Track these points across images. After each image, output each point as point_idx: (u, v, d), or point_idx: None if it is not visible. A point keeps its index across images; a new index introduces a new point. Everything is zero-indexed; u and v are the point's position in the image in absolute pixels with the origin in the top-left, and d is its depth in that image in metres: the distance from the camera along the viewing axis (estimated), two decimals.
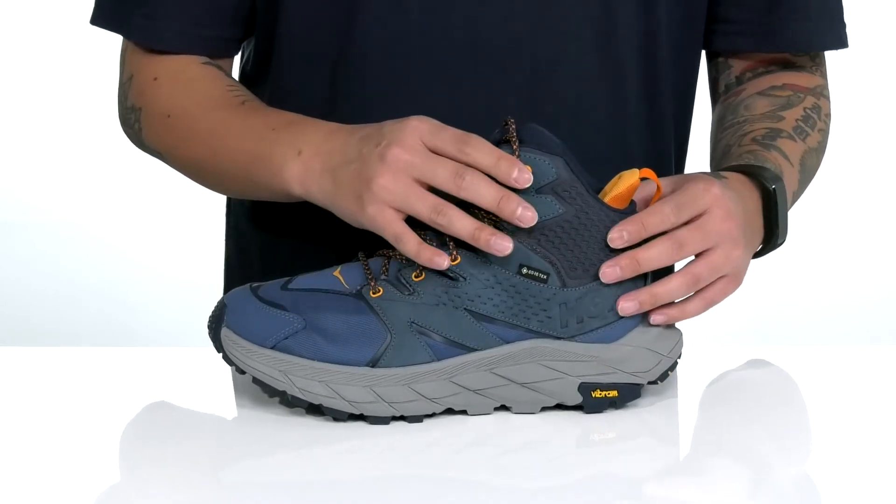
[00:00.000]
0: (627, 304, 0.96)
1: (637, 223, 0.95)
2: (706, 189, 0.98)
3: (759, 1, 1.20)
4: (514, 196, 0.93)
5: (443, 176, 0.94)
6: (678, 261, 0.97)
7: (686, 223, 0.97)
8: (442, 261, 0.93)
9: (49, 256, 3.53)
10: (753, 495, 0.85)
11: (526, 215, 0.92)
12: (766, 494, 0.85)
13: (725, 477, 0.88)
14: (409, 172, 0.95)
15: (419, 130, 0.96)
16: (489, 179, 0.93)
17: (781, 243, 1.08)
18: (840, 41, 1.23)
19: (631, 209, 0.96)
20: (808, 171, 1.17)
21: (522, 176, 0.92)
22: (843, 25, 1.23)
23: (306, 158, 1.02)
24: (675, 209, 0.96)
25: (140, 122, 1.16)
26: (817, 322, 3.17)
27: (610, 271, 0.95)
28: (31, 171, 3.63)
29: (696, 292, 0.99)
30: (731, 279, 1.00)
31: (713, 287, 0.99)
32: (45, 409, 1.00)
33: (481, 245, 0.93)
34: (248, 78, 1.22)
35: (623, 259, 0.95)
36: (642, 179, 0.97)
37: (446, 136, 0.95)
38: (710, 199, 0.97)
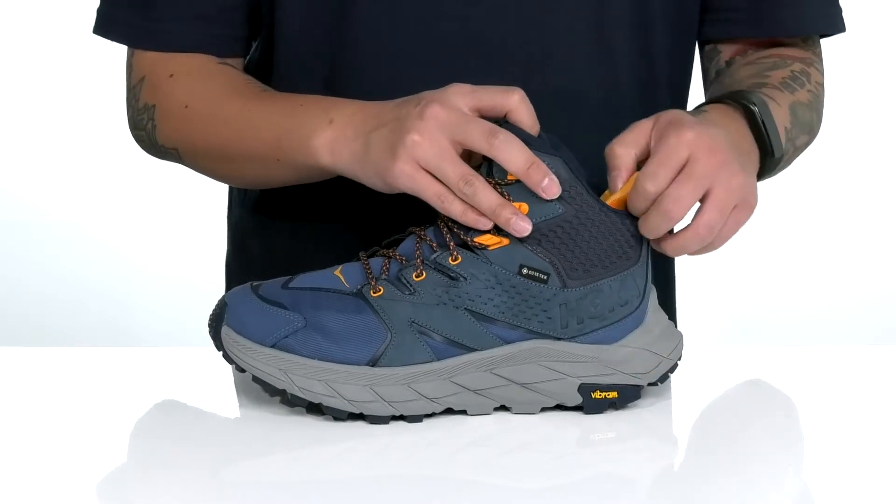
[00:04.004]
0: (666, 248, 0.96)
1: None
2: (678, 141, 0.95)
3: None
4: (542, 166, 0.93)
5: (476, 134, 0.94)
6: (680, 219, 0.96)
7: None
8: (487, 223, 0.94)
9: (49, 256, 3.53)
10: (753, 495, 0.85)
11: (551, 188, 0.93)
12: (766, 495, 0.85)
13: (724, 477, 0.88)
14: (445, 132, 0.95)
15: (460, 94, 0.96)
16: (523, 145, 0.94)
17: (780, 158, 1.06)
18: (834, 25, 1.22)
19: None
20: (800, 120, 1.15)
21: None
22: (839, 10, 1.22)
23: (338, 126, 1.02)
24: (653, 180, 0.95)
25: (154, 119, 1.15)
26: (817, 322, 3.17)
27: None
28: (31, 171, 3.63)
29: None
30: (742, 207, 0.98)
31: (728, 223, 0.97)
32: (45, 409, 1.00)
33: (501, 222, 0.93)
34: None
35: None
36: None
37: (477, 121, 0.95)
38: (686, 147, 0.95)
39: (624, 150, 0.96)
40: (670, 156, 0.95)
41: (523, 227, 0.93)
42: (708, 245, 0.98)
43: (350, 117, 1.02)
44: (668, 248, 0.97)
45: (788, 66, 1.18)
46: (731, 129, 1.03)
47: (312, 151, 1.03)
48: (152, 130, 1.16)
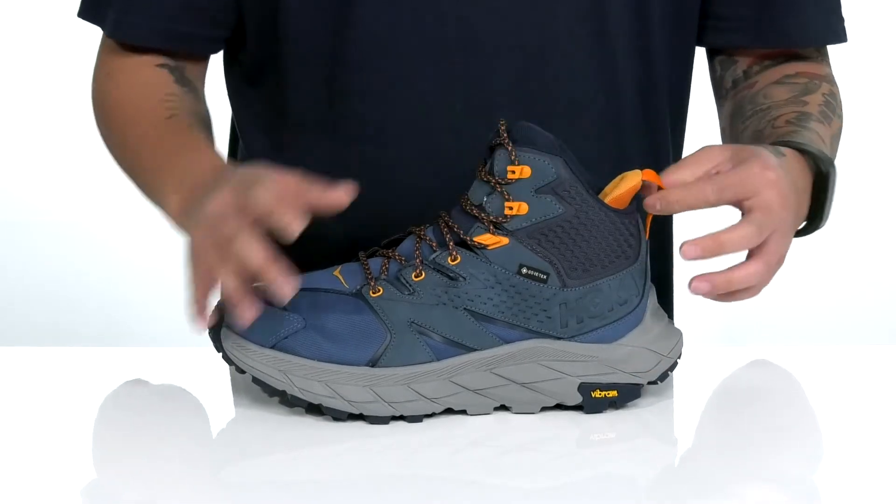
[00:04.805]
0: (701, 285, 0.95)
1: (714, 239, 0.94)
2: (761, 173, 0.96)
3: None
4: (278, 264, 0.90)
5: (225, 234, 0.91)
6: (728, 253, 0.95)
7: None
8: (202, 324, 0.94)
9: (49, 256, 3.53)
10: (753, 495, 0.85)
11: (283, 289, 0.90)
12: (766, 495, 0.85)
13: (725, 477, 0.88)
14: (211, 234, 0.93)
15: (233, 193, 0.93)
16: (259, 244, 0.90)
17: (821, 227, 1.07)
18: (837, 36, 1.22)
19: (630, 209, 0.96)
20: (834, 155, 1.16)
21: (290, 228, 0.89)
22: (841, 20, 1.23)
23: (183, 196, 1.04)
24: (717, 191, 0.95)
25: (95, 101, 1.22)
26: (817, 322, 3.17)
27: (691, 249, 0.94)
28: (31, 171, 3.63)
29: None
30: (777, 264, 0.99)
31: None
32: (45, 409, 1.00)
33: (269, 280, 0.90)
34: (250, 80, 1.22)
35: (705, 240, 0.94)
36: (644, 182, 0.97)
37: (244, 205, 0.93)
38: (764, 183, 0.95)
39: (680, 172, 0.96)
40: (739, 184, 0.95)
41: (284, 292, 0.90)
42: (736, 293, 0.98)
43: (191, 190, 1.02)
44: (727, 277, 0.96)
45: (819, 90, 1.19)
46: (798, 187, 1.02)
47: (169, 218, 1.07)
48: (96, 109, 1.23)
